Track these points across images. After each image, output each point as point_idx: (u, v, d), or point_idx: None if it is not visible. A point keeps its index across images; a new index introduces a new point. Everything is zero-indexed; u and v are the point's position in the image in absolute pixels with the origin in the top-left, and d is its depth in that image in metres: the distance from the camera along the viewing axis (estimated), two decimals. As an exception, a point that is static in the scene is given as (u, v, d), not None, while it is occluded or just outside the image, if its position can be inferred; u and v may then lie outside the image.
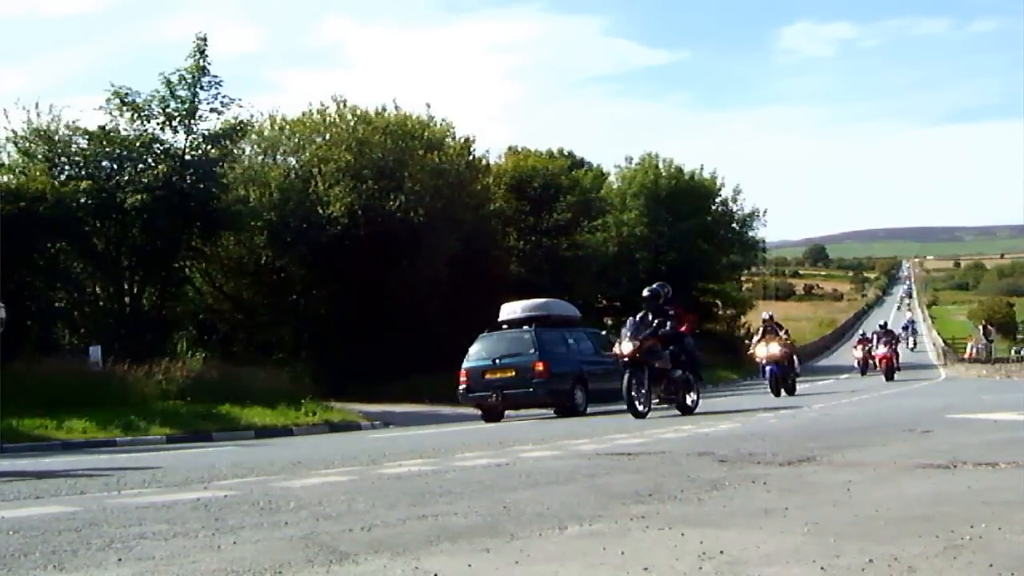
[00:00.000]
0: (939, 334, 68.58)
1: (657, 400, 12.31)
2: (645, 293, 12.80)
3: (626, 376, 11.68)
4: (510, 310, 16.57)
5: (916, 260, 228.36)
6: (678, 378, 12.24)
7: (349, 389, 21.04)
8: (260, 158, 27.51)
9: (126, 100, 21.01)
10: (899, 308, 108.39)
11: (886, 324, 29.12)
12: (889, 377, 25.82)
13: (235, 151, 24.09)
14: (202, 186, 21.20)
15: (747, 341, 30.16)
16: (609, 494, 4.33)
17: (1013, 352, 48.65)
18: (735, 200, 46.80)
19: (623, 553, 2.91)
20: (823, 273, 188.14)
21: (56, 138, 20.98)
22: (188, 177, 21.12)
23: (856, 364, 33.51)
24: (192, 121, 21.46)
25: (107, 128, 21.01)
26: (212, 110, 21.62)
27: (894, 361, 26.76)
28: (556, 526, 3.45)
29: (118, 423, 13.95)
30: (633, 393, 11.62)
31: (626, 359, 11.82)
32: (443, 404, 19.34)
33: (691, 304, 45.35)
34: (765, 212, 47.62)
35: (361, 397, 20.25)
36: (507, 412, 16.00)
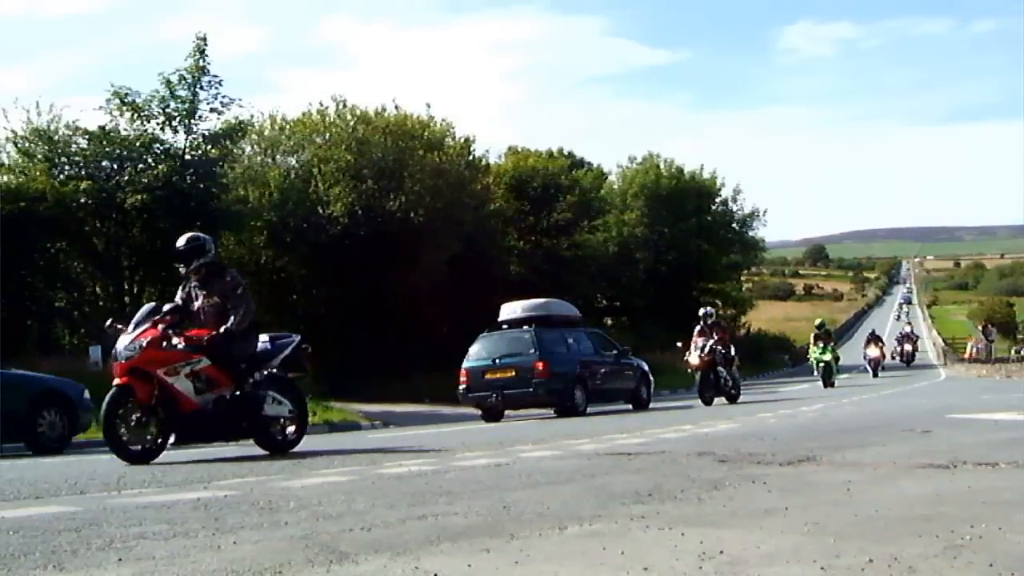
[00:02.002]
0: (939, 334, 68.69)
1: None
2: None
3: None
4: (510, 310, 16.55)
5: (916, 260, 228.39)
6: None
7: (349, 389, 21.03)
8: (260, 158, 27.51)
9: (126, 100, 21.02)
10: (898, 317, 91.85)
11: (823, 324, 26.18)
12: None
13: (235, 151, 24.10)
14: (202, 186, 21.22)
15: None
16: (609, 494, 4.33)
17: (1013, 352, 48.63)
18: (735, 200, 46.90)
19: (623, 553, 2.91)
20: (823, 273, 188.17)
21: (56, 138, 20.98)
22: (188, 177, 21.13)
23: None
24: (192, 121, 21.49)
25: (107, 128, 21.02)
26: (212, 110, 21.68)
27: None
28: (556, 526, 3.45)
29: (118, 423, 13.90)
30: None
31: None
32: (443, 404, 19.33)
33: (691, 304, 45.54)
34: (765, 212, 47.74)
35: (361, 397, 20.24)
36: (507, 412, 15.99)
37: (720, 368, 16.43)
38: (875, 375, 30.43)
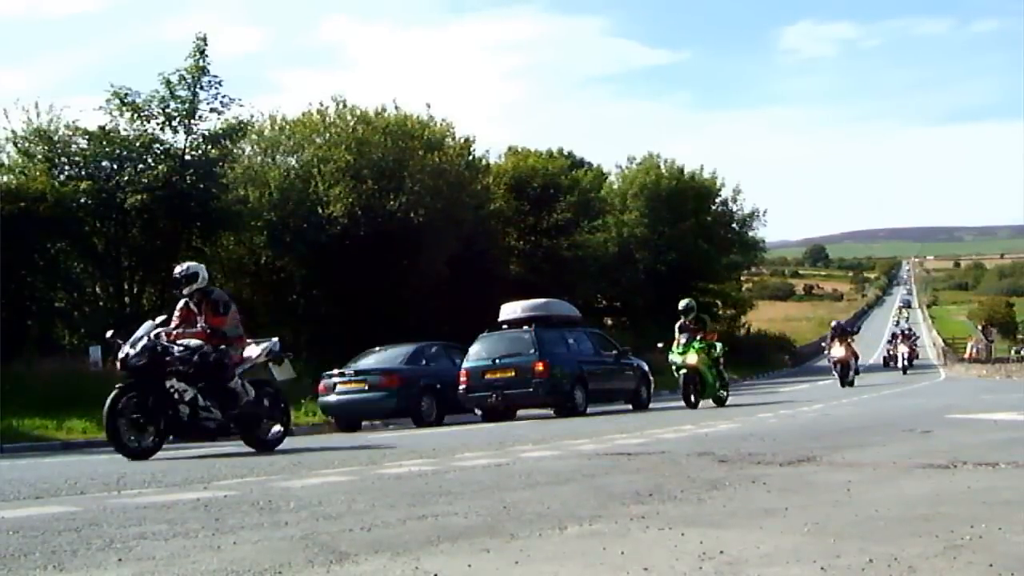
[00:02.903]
0: (939, 334, 68.73)
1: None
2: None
3: None
4: (510, 310, 16.55)
5: (916, 260, 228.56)
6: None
7: (349, 389, 20.97)
8: (260, 158, 27.50)
9: (126, 100, 21.03)
10: (897, 322, 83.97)
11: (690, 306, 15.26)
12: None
13: (235, 151, 24.11)
14: (202, 186, 21.22)
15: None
16: (609, 494, 4.33)
17: (1013, 352, 48.67)
18: (735, 200, 46.89)
19: (623, 553, 2.91)
20: (823, 273, 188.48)
21: (56, 138, 20.98)
22: (188, 177, 21.12)
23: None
24: (192, 121, 21.51)
25: (107, 128, 21.03)
26: (212, 110, 21.69)
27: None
28: (556, 526, 3.45)
29: (118, 423, 13.91)
30: None
31: None
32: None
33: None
34: (765, 212, 47.74)
35: (361, 397, 20.16)
36: (506, 412, 15.98)
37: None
38: (844, 383, 21.62)
